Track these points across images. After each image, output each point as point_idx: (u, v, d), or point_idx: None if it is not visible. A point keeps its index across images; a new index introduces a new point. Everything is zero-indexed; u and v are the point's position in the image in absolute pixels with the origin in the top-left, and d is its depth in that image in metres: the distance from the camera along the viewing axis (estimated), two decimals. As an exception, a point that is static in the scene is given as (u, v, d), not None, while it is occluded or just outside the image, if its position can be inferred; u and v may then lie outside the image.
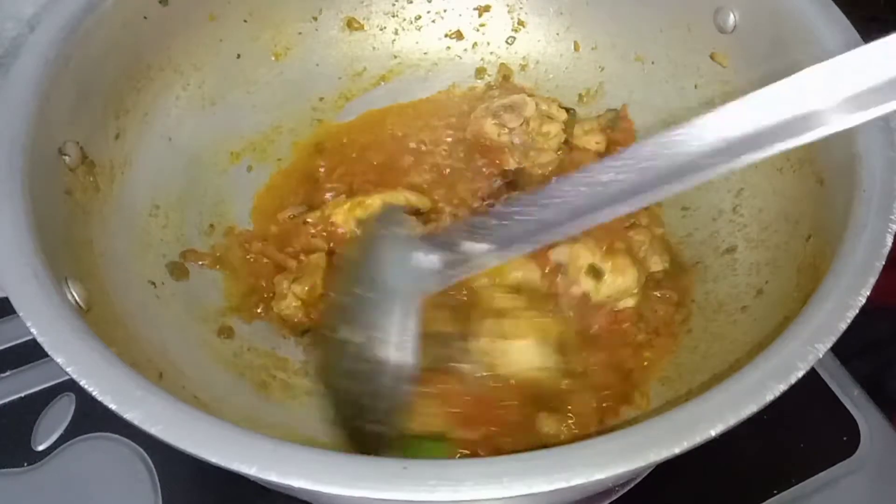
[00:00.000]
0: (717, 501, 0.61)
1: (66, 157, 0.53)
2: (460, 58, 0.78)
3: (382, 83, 0.77)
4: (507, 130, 0.68)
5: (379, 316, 0.47)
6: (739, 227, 0.62)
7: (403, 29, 0.77)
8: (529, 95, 0.70)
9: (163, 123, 0.65)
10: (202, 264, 0.63)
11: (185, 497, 0.61)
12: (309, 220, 0.64)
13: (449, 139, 0.72)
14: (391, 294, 0.48)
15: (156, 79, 0.65)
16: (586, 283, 0.56)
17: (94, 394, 0.38)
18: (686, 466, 0.57)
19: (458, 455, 0.50)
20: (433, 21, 0.78)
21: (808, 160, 0.55)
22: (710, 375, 0.52)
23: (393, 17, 0.77)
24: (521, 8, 0.76)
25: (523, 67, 0.77)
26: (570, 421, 0.53)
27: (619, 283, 0.56)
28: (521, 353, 0.53)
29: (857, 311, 0.41)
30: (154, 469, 0.61)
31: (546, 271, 0.57)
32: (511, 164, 0.68)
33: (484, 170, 0.69)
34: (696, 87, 0.68)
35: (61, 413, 0.64)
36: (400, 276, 0.48)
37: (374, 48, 0.77)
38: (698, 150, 0.40)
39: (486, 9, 0.77)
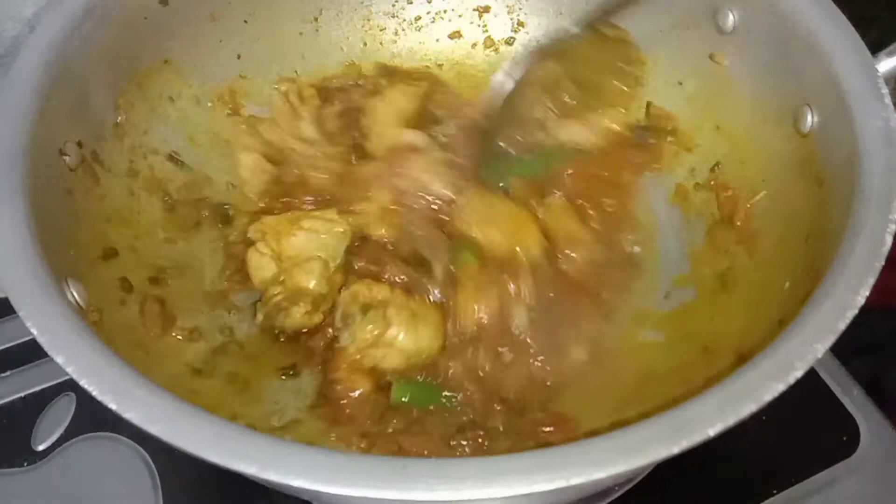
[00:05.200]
0: (717, 501, 0.61)
1: (66, 157, 0.53)
2: (460, 58, 0.78)
3: (382, 83, 0.77)
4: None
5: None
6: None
7: (403, 30, 0.77)
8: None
9: (164, 124, 0.66)
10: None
11: (185, 497, 0.61)
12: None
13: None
14: None
15: (156, 79, 0.65)
16: None
17: (93, 393, 0.38)
18: (686, 466, 0.57)
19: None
20: (433, 21, 0.78)
21: (807, 160, 0.55)
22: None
23: (393, 17, 0.77)
24: (520, 9, 0.77)
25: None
26: None
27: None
28: None
29: (857, 310, 0.41)
30: (154, 469, 0.61)
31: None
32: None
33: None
34: (695, 87, 0.68)
35: (61, 413, 0.64)
36: None
37: (374, 49, 0.77)
38: None
39: (486, 9, 0.77)
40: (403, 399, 0.56)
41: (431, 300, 0.59)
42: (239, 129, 0.69)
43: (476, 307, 0.58)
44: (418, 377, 0.57)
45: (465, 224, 0.61)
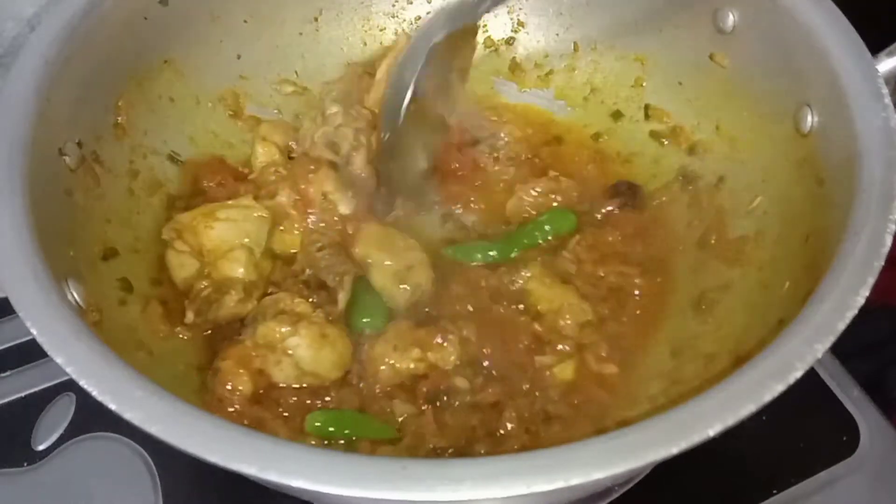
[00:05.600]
0: (717, 501, 0.61)
1: (67, 158, 0.53)
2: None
3: (382, 84, 0.77)
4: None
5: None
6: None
7: (403, 30, 0.77)
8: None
9: (164, 124, 0.66)
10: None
11: (185, 497, 0.61)
12: None
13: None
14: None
15: (156, 79, 0.65)
16: None
17: (93, 394, 0.38)
18: (686, 466, 0.57)
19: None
20: (433, 21, 0.78)
21: (808, 161, 0.55)
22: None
23: (393, 17, 0.77)
24: (520, 9, 0.76)
25: (523, 68, 0.77)
26: None
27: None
28: None
29: (856, 311, 0.41)
30: (154, 469, 0.61)
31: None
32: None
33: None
34: (695, 87, 0.68)
35: (61, 413, 0.64)
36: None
37: (374, 49, 0.77)
38: None
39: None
40: (317, 425, 0.53)
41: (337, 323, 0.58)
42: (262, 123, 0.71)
43: (388, 362, 0.56)
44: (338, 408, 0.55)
45: (362, 249, 0.61)
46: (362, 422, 0.55)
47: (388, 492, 0.35)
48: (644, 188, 0.69)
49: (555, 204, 0.67)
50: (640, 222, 0.66)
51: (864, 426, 0.64)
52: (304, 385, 0.56)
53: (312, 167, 0.63)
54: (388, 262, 0.61)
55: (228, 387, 0.54)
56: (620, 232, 0.65)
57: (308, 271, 0.61)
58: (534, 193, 0.67)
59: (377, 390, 0.56)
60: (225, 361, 0.55)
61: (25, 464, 0.62)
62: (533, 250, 0.65)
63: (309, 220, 0.63)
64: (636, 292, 0.62)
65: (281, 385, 0.55)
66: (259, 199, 0.63)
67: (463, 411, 0.56)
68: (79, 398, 0.65)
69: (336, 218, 0.63)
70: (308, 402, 0.55)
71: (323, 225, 0.63)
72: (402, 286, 0.60)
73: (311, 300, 0.58)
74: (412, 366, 0.56)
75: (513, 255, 0.64)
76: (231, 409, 0.53)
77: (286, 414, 0.54)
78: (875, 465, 0.62)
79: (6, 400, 0.66)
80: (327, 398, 0.56)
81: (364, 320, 0.59)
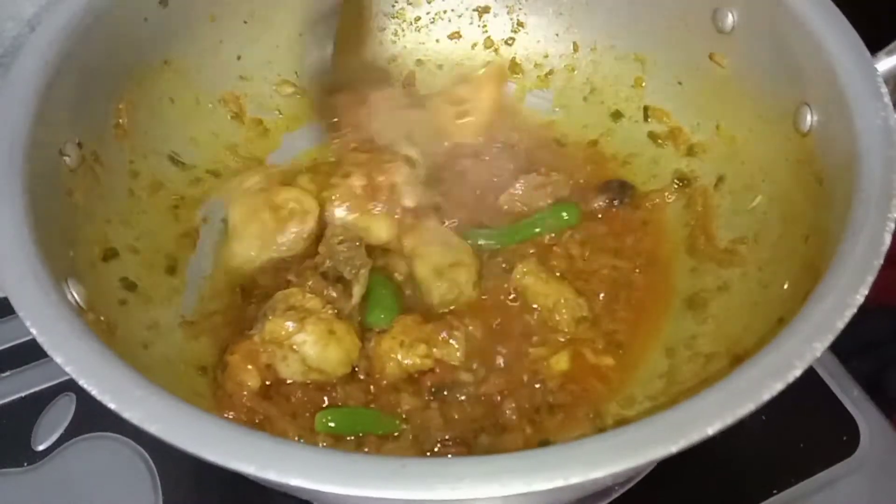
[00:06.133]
0: (718, 501, 0.61)
1: (67, 158, 0.53)
2: (460, 59, 0.78)
3: (381, 84, 0.77)
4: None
5: None
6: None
7: (403, 30, 0.77)
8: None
9: (164, 125, 0.66)
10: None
11: (185, 497, 0.61)
12: None
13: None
14: None
15: (156, 80, 0.65)
16: None
17: (93, 393, 0.38)
18: (686, 465, 0.58)
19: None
20: (432, 22, 0.78)
21: (807, 160, 0.55)
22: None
23: (392, 18, 0.77)
24: (520, 9, 0.77)
25: (523, 68, 0.77)
26: None
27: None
28: None
29: (855, 310, 0.41)
30: (154, 469, 0.61)
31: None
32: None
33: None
34: (695, 87, 0.68)
35: (61, 413, 0.64)
36: None
37: (373, 50, 0.77)
38: None
39: (486, 10, 0.77)
40: (330, 425, 0.54)
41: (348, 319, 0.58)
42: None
43: (394, 358, 0.57)
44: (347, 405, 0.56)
45: (412, 240, 0.63)
46: (372, 418, 0.55)
47: (386, 490, 0.35)
48: (637, 187, 0.69)
49: (548, 200, 0.67)
50: (632, 220, 0.67)
51: (864, 426, 0.64)
52: (310, 381, 0.56)
53: (388, 158, 0.65)
54: (434, 256, 0.62)
55: (236, 382, 0.54)
56: (610, 228, 0.66)
57: (328, 263, 0.61)
58: (524, 188, 0.68)
59: (384, 385, 0.57)
60: (233, 356, 0.55)
61: (25, 464, 0.62)
62: (526, 245, 0.65)
63: (373, 206, 0.63)
64: (630, 288, 0.63)
65: (288, 381, 0.56)
66: (335, 177, 0.64)
67: (467, 403, 0.56)
68: (79, 398, 0.65)
69: (398, 210, 0.64)
70: (315, 397, 0.56)
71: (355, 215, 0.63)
72: (441, 281, 0.61)
73: (326, 292, 0.58)
74: (418, 361, 0.57)
75: (511, 244, 0.65)
76: (241, 405, 0.54)
77: (295, 410, 0.55)
78: (875, 465, 0.62)
79: (6, 400, 0.66)
80: (334, 394, 0.56)
81: (381, 316, 0.59)
